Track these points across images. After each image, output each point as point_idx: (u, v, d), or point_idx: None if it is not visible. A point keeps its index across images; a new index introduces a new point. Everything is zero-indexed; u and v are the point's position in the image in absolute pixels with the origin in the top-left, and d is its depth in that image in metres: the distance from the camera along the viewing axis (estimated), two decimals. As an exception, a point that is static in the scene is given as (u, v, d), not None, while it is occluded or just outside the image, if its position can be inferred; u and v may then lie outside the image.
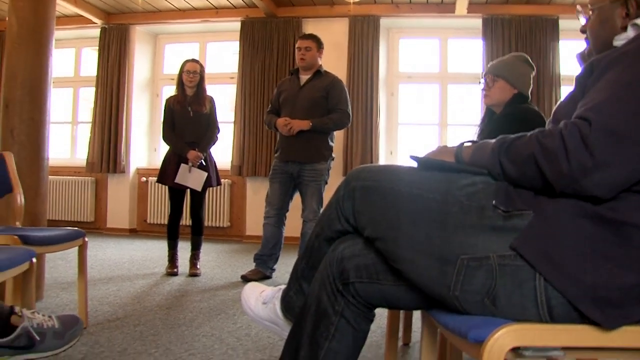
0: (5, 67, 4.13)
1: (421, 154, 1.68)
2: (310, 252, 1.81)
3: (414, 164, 1.63)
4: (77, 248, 3.32)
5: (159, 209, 8.31)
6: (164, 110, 5.30)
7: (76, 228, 3.41)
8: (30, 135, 4.07)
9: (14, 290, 2.61)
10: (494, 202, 1.39)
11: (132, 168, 8.52)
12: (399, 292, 1.57)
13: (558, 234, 1.32)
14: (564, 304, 1.31)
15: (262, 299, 1.95)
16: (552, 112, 1.64)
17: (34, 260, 2.62)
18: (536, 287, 1.32)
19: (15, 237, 2.83)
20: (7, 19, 4.19)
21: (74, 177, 8.61)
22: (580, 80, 1.51)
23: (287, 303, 1.86)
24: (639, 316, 1.33)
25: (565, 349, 1.32)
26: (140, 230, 8.50)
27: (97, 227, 8.49)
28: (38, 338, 2.02)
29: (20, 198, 3.48)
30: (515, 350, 1.30)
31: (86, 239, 3.36)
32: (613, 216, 1.31)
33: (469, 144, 1.61)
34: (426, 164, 1.59)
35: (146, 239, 7.87)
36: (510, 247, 1.33)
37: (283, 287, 1.92)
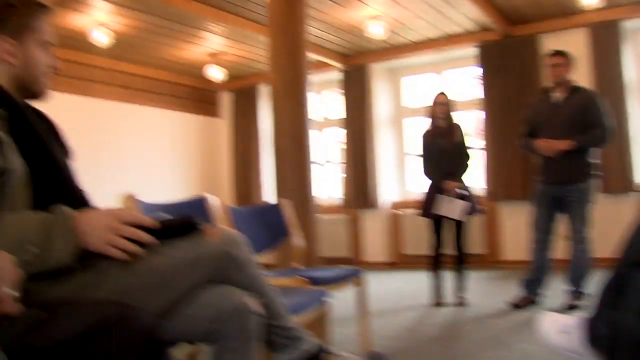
0: (274, 120, 4.50)
1: None
2: (619, 280, 1.73)
3: None
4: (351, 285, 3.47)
5: (415, 241, 8.23)
6: (423, 145, 5.38)
7: (352, 266, 3.59)
8: (298, 181, 4.37)
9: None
10: None
11: (384, 202, 8.72)
12: None
13: None
14: None
15: (562, 328, 1.90)
16: None
17: (326, 299, 2.77)
18: None
19: (304, 278, 3.03)
20: (270, 76, 4.57)
21: (328, 214, 8.92)
22: None
23: (594, 333, 1.78)
24: None
25: None
26: (398, 262, 8.62)
27: (354, 262, 8.75)
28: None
29: (298, 241, 3.72)
30: None
31: (362, 277, 3.50)
32: None
33: None
34: None
35: (403, 271, 7.99)
36: None
37: (584, 316, 1.85)
